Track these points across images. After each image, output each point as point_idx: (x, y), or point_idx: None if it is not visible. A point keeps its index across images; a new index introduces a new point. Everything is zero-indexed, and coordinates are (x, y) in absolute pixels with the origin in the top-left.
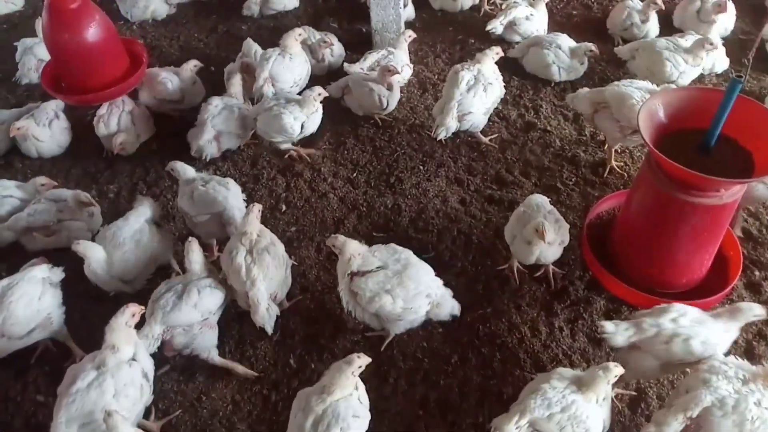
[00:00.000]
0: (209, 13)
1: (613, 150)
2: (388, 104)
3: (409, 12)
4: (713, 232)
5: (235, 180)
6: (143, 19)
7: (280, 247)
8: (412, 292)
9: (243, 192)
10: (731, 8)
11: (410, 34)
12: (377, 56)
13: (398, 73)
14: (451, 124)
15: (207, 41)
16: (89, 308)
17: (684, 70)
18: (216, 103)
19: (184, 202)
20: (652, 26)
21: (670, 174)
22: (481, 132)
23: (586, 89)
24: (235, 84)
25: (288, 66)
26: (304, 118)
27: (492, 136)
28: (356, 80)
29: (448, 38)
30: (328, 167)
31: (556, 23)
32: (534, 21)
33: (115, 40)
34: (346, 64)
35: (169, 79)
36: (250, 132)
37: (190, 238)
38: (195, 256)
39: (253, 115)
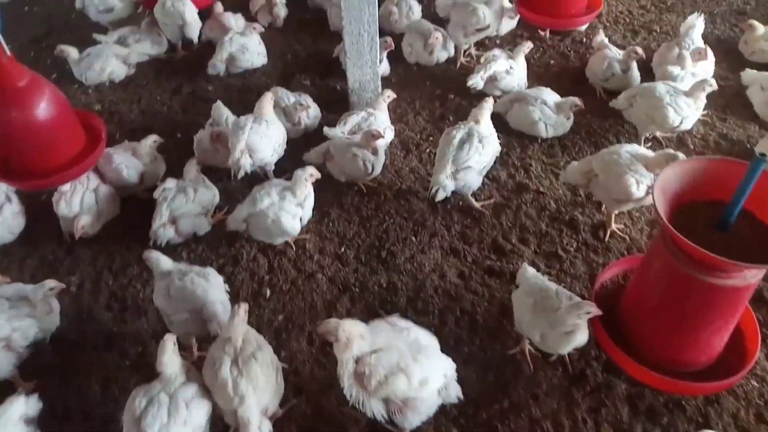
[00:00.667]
0: (172, 73)
1: (613, 214)
2: (373, 169)
3: (384, 67)
4: (736, 310)
5: (212, 263)
6: (99, 82)
7: (268, 351)
8: (427, 368)
9: (221, 275)
10: (710, 55)
11: (389, 95)
12: (357, 119)
13: (383, 137)
14: (448, 183)
15: (170, 104)
16: None
17: (687, 115)
18: (170, 185)
19: (160, 300)
20: (634, 75)
21: (689, 254)
22: (472, 194)
23: (575, 163)
24: (191, 170)
25: (265, 134)
26: (301, 212)
27: (485, 202)
28: (339, 146)
29: (426, 94)
30: (314, 242)
31: (534, 74)
32: (514, 74)
33: (69, 117)
34: (325, 129)
35: (125, 164)
36: (212, 212)
37: (166, 336)
38: (169, 357)
39: (240, 220)
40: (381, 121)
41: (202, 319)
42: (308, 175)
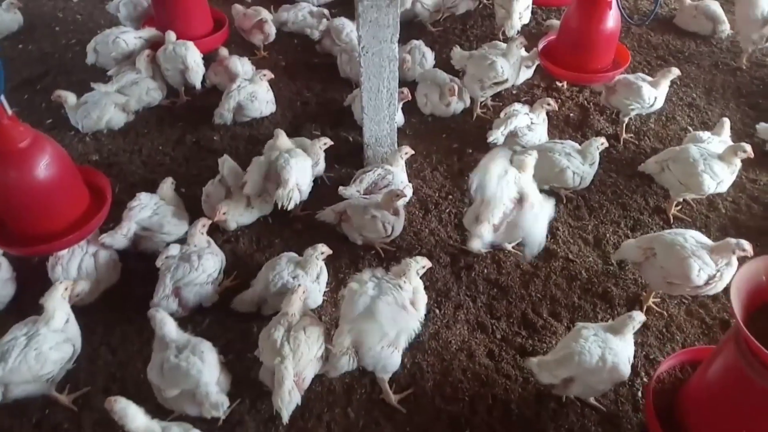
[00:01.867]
0: (174, 121)
1: (653, 292)
2: (393, 231)
3: (398, 118)
4: None
5: (218, 339)
6: (97, 129)
7: (318, 327)
8: None
9: (230, 354)
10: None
11: (407, 151)
12: (373, 177)
13: (405, 196)
14: (487, 235)
15: (173, 154)
16: None
17: (723, 179)
18: (173, 252)
19: (153, 374)
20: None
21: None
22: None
23: (632, 240)
24: (196, 234)
25: (304, 166)
26: (318, 286)
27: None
28: (356, 207)
29: (443, 147)
30: (329, 314)
31: (553, 127)
32: (536, 129)
33: (72, 178)
34: (341, 188)
35: (121, 233)
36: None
37: None
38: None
39: (250, 303)
40: (399, 179)
41: (195, 399)
42: (319, 254)
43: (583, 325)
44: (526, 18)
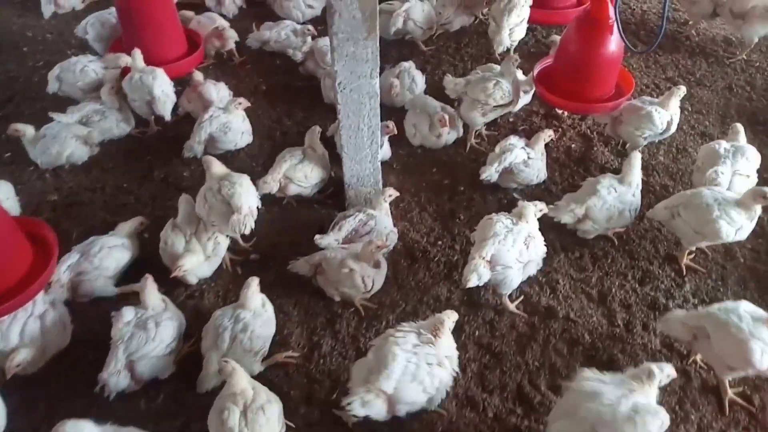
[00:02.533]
0: (143, 154)
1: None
2: (373, 286)
3: (384, 151)
4: None
5: (175, 418)
6: (58, 164)
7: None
8: None
9: None
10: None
11: (391, 193)
12: (354, 223)
13: (387, 247)
14: (483, 272)
15: (139, 193)
16: None
17: (741, 225)
18: (127, 317)
19: None
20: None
21: None
22: None
23: (678, 313)
24: (151, 295)
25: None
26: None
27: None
28: (332, 260)
29: (432, 183)
30: (299, 386)
31: (553, 160)
32: (533, 165)
33: (11, 238)
34: (317, 238)
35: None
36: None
37: None
38: None
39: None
40: (383, 225)
41: None
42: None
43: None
44: (520, 34)
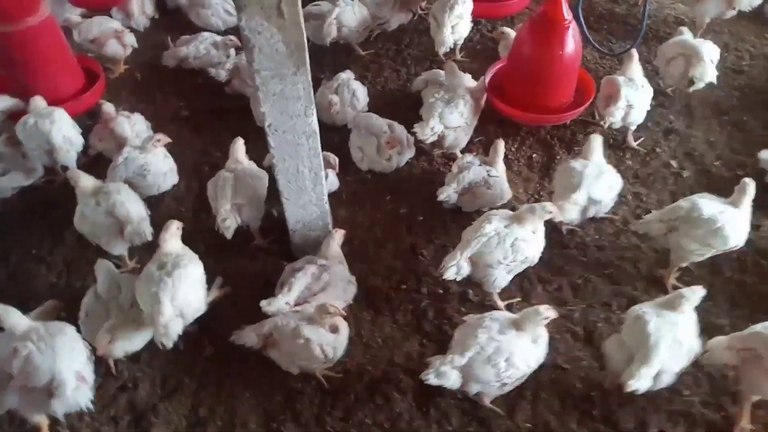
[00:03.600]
0: (50, 208)
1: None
2: (334, 353)
3: (331, 182)
4: None
5: None
6: None
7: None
8: None
9: None
10: None
11: (341, 235)
12: (306, 280)
13: (341, 314)
14: (463, 265)
15: (51, 260)
16: None
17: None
18: None
19: None
20: None
21: None
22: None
23: (721, 339)
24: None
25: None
26: None
27: (510, 301)
28: (283, 328)
29: (388, 214)
30: None
31: (515, 174)
32: (496, 184)
33: None
34: (264, 303)
35: None
36: None
37: None
38: None
39: None
40: (338, 277)
41: None
42: None
43: None
44: (463, 31)
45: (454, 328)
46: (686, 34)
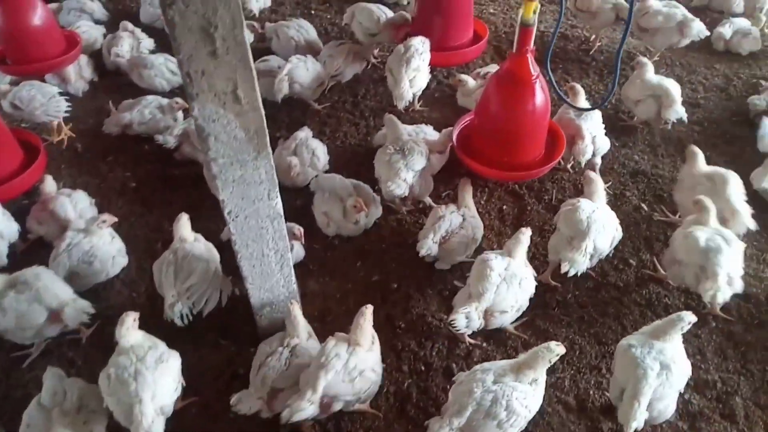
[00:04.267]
0: None
1: None
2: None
3: (297, 253)
4: None
5: None
6: None
7: None
8: None
9: None
10: None
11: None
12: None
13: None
14: (474, 317)
15: None
16: None
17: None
18: None
19: None
20: None
21: None
22: None
23: None
24: None
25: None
26: None
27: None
28: None
29: (359, 282)
30: None
31: (487, 229)
32: (469, 225)
33: None
34: (234, 401)
35: None
36: None
37: None
38: None
39: None
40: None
41: None
42: None
43: None
44: (422, 83)
45: (440, 411)
46: (648, 68)
